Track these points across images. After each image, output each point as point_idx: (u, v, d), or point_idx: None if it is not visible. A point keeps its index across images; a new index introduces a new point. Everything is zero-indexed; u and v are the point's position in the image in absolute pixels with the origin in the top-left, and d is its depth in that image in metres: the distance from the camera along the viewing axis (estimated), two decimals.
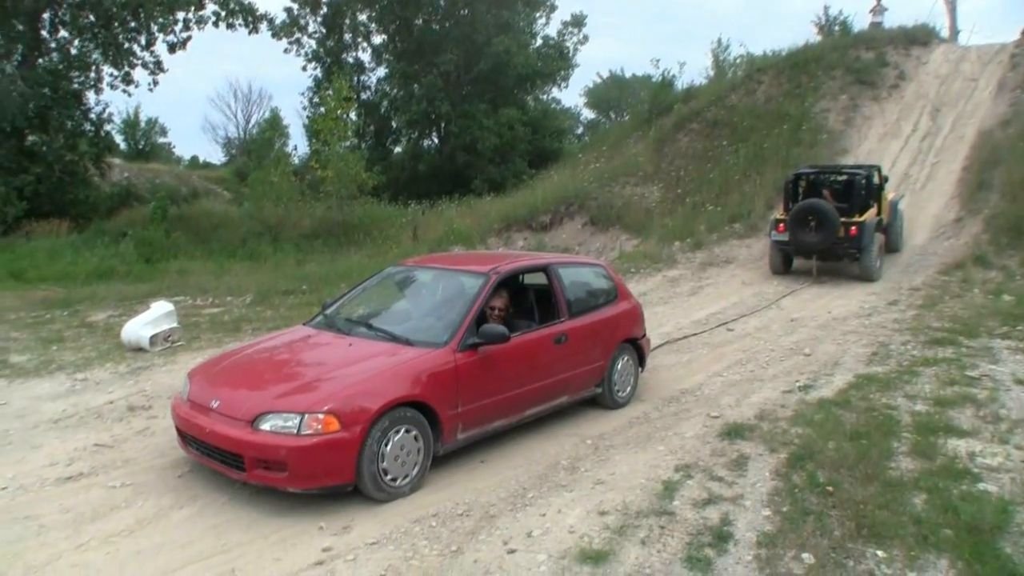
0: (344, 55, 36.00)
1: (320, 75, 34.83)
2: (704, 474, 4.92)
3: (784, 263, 13.08)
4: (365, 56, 36.77)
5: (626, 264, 14.02)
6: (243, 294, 12.29)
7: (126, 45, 25.61)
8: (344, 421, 4.49)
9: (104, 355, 8.32)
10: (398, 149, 37.44)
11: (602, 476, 4.97)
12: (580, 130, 52.04)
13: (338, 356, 5.26)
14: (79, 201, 23.65)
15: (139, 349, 8.49)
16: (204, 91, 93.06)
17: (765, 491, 4.63)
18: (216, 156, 53.12)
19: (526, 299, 6.42)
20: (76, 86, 24.69)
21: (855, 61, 20.98)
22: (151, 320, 8.82)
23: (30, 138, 23.45)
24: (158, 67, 26.41)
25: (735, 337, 9.03)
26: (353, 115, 27.36)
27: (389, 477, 4.69)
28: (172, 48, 26.18)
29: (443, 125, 34.13)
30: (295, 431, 4.43)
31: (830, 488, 4.55)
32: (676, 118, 21.21)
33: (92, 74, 25.23)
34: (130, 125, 42.49)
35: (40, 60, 24.09)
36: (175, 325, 9.02)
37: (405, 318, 5.88)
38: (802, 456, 5.08)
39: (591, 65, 66.36)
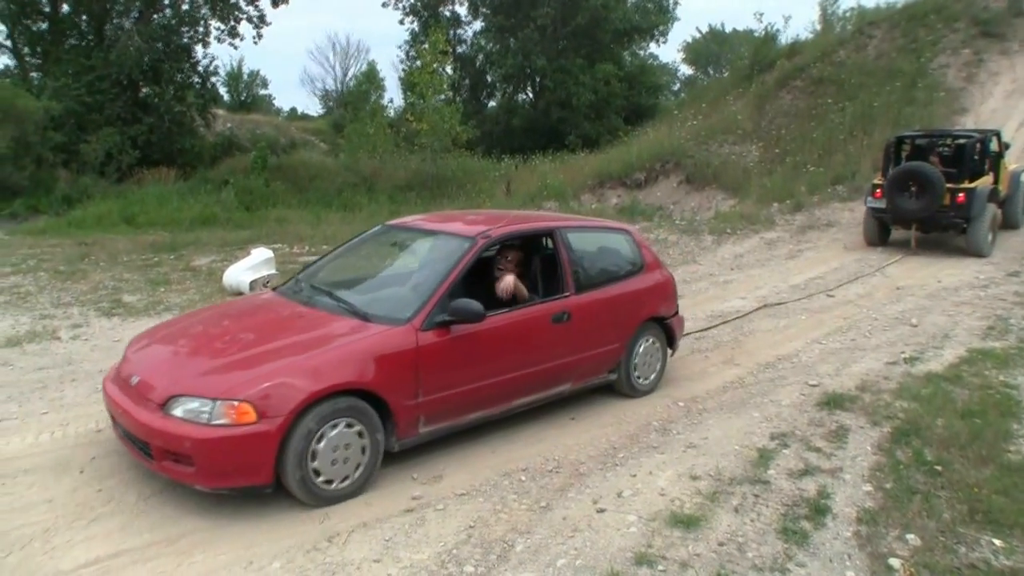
0: (441, 8, 35.88)
1: (417, 28, 34.93)
2: (801, 444, 4.76)
3: (880, 233, 11.94)
4: (462, 10, 36.59)
5: (722, 224, 13.62)
6: (338, 243, 12.54)
7: (232, 0, 26.29)
8: (262, 411, 3.78)
9: (206, 298, 8.66)
10: (492, 103, 37.33)
11: (694, 440, 4.87)
12: (677, 86, 50.66)
13: (281, 331, 4.46)
14: (185, 150, 24.73)
15: (239, 293, 8.79)
16: (304, 44, 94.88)
17: (866, 465, 4.44)
18: (314, 108, 54.25)
19: (529, 269, 5.48)
20: (186, 40, 25.77)
21: (983, 11, 19.49)
22: (251, 266, 9.13)
23: (143, 90, 24.58)
24: (261, 21, 27.10)
25: (835, 304, 8.66)
26: (449, 69, 27.39)
27: (322, 479, 3.99)
28: (275, 2, 26.71)
29: (538, 80, 33.79)
30: (206, 420, 3.77)
31: (939, 467, 4.32)
32: (779, 75, 20.31)
33: (201, 28, 26.20)
34: (233, 77, 43.77)
35: (155, 16, 25.07)
36: (273, 272, 9.31)
37: (376, 287, 5.18)
38: (908, 432, 4.83)
39: (690, 19, 64.37)
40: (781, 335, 7.46)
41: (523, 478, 4.39)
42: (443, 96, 25.25)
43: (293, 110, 52.36)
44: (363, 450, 4.13)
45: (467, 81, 36.05)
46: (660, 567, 3.42)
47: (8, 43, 25.38)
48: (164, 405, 3.90)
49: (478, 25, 36.20)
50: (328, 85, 53.62)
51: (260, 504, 4.01)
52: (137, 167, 22.32)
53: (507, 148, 28.01)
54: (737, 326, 7.78)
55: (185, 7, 25.89)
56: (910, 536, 3.66)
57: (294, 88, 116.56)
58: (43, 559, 3.52)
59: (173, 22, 25.13)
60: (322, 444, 3.95)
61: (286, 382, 3.88)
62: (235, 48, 36.45)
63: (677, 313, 6.23)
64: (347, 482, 4.10)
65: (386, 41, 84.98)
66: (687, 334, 7.35)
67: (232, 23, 26.65)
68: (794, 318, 8.08)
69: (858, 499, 4.04)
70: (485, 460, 4.66)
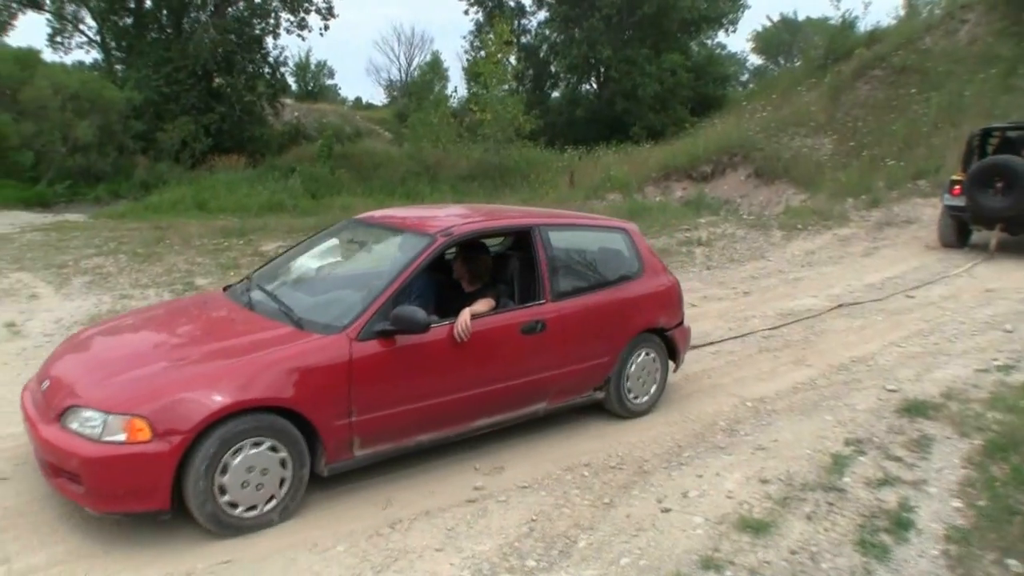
0: None
1: (481, 18, 34.93)
2: (879, 451, 4.51)
3: (958, 234, 10.90)
4: (526, 0, 36.46)
5: (792, 220, 13.20)
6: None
7: None
8: (158, 429, 3.36)
9: None
10: (556, 94, 37.12)
11: (763, 442, 4.68)
12: (745, 77, 49.58)
13: (206, 337, 4.12)
14: (255, 138, 25.51)
15: None
16: (370, 34, 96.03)
17: (954, 479, 4.16)
18: (378, 97, 54.99)
19: (505, 271, 4.89)
20: (257, 32, 26.50)
21: None
22: (318, 254, 9.23)
23: (216, 80, 25.36)
24: (329, 12, 27.67)
25: (916, 305, 8.27)
26: (513, 59, 27.30)
27: (232, 506, 3.57)
28: None
29: (603, 70, 33.43)
30: (96, 435, 3.39)
31: None
32: (856, 64, 19.54)
33: (271, 20, 26.90)
34: (301, 67, 44.68)
35: (229, 9, 25.84)
36: (339, 259, 9.39)
37: (324, 290, 4.64)
38: (1004, 446, 4.47)
39: (761, 7, 62.76)
40: (855, 336, 7.15)
41: (586, 473, 4.30)
42: (507, 86, 25.20)
43: (358, 99, 53.17)
44: (282, 474, 3.68)
45: (531, 71, 35.90)
46: (728, 573, 3.28)
47: (97, 38, 26.51)
48: (61, 416, 3.54)
49: (542, 15, 36.06)
50: (393, 75, 54.29)
51: (324, 487, 4.02)
52: (209, 154, 23.17)
53: (570, 139, 27.82)
54: (808, 325, 7.49)
55: (257, 0, 26.55)
56: (1011, 561, 3.37)
57: (360, 78, 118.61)
58: None
59: (246, 14, 26.01)
60: (232, 467, 3.50)
61: (188, 396, 3.45)
62: (303, 39, 37.29)
63: (682, 324, 5.55)
64: (263, 509, 3.65)
65: (450, 31, 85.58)
66: (749, 333, 7.18)
67: (301, 15, 27.28)
68: (870, 318, 7.73)
69: (946, 515, 3.79)
70: (547, 453, 4.59)
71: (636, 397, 5.20)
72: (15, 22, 25.60)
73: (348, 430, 3.85)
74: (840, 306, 8.17)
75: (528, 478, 4.23)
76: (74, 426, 3.46)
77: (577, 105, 34.42)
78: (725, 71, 37.58)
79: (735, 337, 7.07)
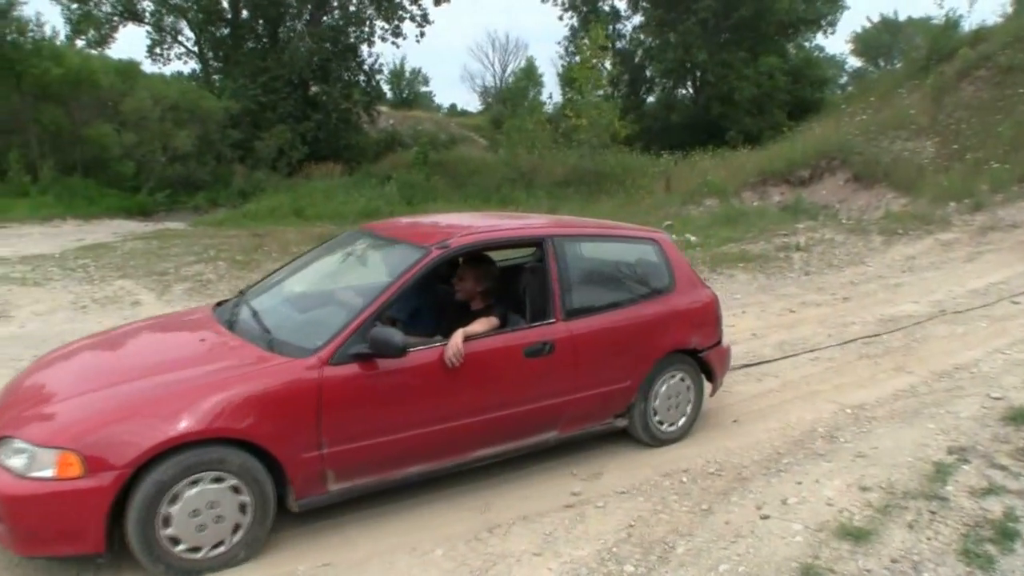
0: (600, 3, 35.84)
1: (576, 24, 35.04)
2: (983, 460, 4.46)
3: None
4: (621, 4, 36.41)
5: (892, 224, 12.83)
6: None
7: (397, 0, 27.38)
8: (91, 464, 3.02)
9: None
10: (651, 99, 36.90)
11: (863, 449, 4.69)
12: (843, 79, 47.97)
13: (171, 360, 3.69)
14: (350, 146, 26.12)
15: None
16: (464, 41, 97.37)
17: None
18: (473, 104, 55.64)
19: (516, 287, 4.53)
20: (352, 40, 27.12)
21: None
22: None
23: (312, 89, 26.09)
24: (424, 19, 28.09)
25: (1021, 311, 7.99)
26: (608, 64, 27.30)
27: (183, 548, 3.23)
28: (437, 1, 27.62)
29: (698, 74, 33.06)
30: (23, 470, 3.06)
31: None
32: (960, 64, 18.69)
33: (366, 29, 27.51)
34: (396, 75, 45.70)
35: (324, 18, 26.59)
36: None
37: (310, 307, 4.31)
38: None
39: (860, 8, 60.60)
40: (958, 342, 6.99)
41: (684, 479, 4.35)
42: (602, 92, 25.22)
43: (453, 106, 54.04)
44: (244, 509, 3.35)
45: (626, 76, 35.81)
46: None
47: (195, 49, 27.71)
48: None
49: (637, 19, 35.93)
50: (487, 81, 54.91)
51: (422, 492, 4.12)
52: (306, 162, 23.68)
53: (666, 144, 27.59)
54: (909, 331, 7.37)
55: (352, 8, 27.23)
56: None
57: (454, 85, 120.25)
58: None
59: (341, 23, 26.56)
60: (179, 504, 3.17)
61: (127, 428, 3.11)
62: (398, 47, 38.01)
63: (719, 343, 5.10)
64: (217, 551, 3.32)
65: (545, 37, 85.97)
66: (851, 341, 7.08)
67: (396, 22, 27.82)
68: (973, 325, 7.53)
69: None
70: (645, 459, 4.65)
71: (665, 424, 4.81)
72: (116, 35, 26.57)
73: (319, 463, 3.50)
74: (942, 313, 7.96)
75: (626, 484, 4.28)
76: (5, 458, 3.13)
77: (673, 110, 34.16)
78: (823, 74, 36.46)
79: (833, 345, 7.02)
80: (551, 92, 59.44)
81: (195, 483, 3.20)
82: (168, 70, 28.18)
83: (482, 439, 4.06)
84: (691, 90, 35.09)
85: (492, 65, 55.16)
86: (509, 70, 53.39)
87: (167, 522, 3.17)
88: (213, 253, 11.29)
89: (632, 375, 4.57)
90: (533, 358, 4.11)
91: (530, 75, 46.04)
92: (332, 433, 3.51)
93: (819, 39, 37.85)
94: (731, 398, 5.66)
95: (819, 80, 34.82)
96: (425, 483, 4.05)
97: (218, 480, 3.26)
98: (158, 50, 27.82)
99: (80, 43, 24.80)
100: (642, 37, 35.48)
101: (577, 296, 4.36)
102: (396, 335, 3.55)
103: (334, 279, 4.65)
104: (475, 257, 4.47)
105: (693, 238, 12.56)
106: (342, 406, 3.53)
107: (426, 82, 53.18)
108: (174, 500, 3.17)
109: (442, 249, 4.00)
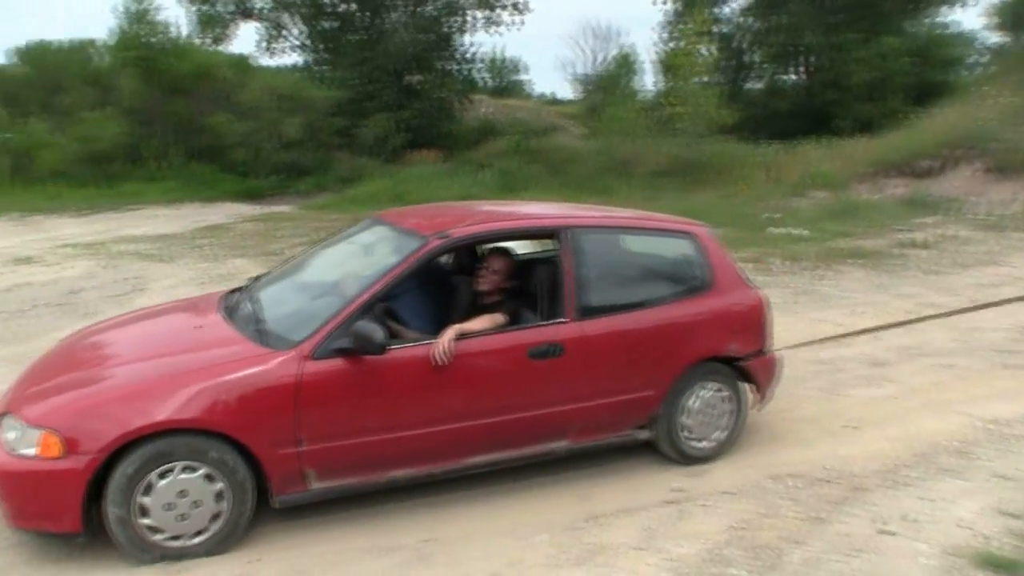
0: None
1: (676, 9, 34.09)
2: None
3: None
4: None
5: None
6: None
7: None
8: (70, 445, 3.11)
9: None
10: (754, 85, 35.60)
11: (1004, 470, 4.18)
12: (973, 58, 44.59)
13: (162, 347, 3.79)
14: (447, 134, 26.52)
15: None
16: (560, 29, 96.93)
17: None
18: (569, 92, 55.18)
19: (530, 282, 4.18)
20: (450, 30, 27.42)
21: None
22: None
23: (411, 78, 26.58)
24: (520, 8, 28.03)
25: None
26: (708, 49, 26.43)
27: (164, 536, 3.26)
28: None
29: (807, 59, 31.62)
30: (12, 447, 3.22)
31: None
32: None
33: (464, 18, 27.73)
34: (493, 64, 45.73)
35: (423, 8, 27.02)
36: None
37: (307, 298, 4.14)
38: None
39: None
40: None
41: (793, 484, 4.07)
42: (702, 78, 24.46)
43: (549, 94, 53.70)
44: (219, 498, 3.32)
45: (729, 62, 34.62)
46: None
47: (303, 42, 28.70)
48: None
49: (742, 1, 34.65)
50: (583, 69, 54.35)
51: (523, 475, 4.10)
52: (405, 149, 24.24)
53: (770, 132, 26.54)
54: None
55: None
56: None
57: (550, 73, 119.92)
58: None
59: (438, 13, 26.89)
60: (153, 493, 3.20)
61: (105, 413, 3.19)
62: (500, 35, 38.31)
63: (763, 352, 4.51)
64: (194, 540, 3.31)
65: (642, 23, 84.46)
66: (989, 350, 6.41)
67: (493, 11, 27.89)
68: None
69: None
70: (750, 459, 4.41)
71: (695, 440, 4.32)
72: (233, 32, 27.77)
73: (296, 460, 3.40)
74: None
75: (731, 484, 4.08)
76: (3, 434, 3.29)
77: (778, 96, 32.82)
78: (952, 53, 34.03)
79: (962, 352, 6.41)
80: (648, 80, 58.33)
81: (169, 472, 3.22)
82: (277, 63, 29.22)
83: (478, 445, 3.82)
84: (799, 75, 33.59)
85: (588, 52, 54.41)
86: (605, 57, 52.67)
87: (144, 510, 3.21)
88: (321, 235, 11.72)
89: (655, 384, 4.15)
90: (539, 360, 3.81)
91: (626, 62, 45.20)
92: (311, 430, 3.40)
93: (953, 14, 34.87)
94: (843, 402, 5.28)
95: (946, 60, 32.51)
96: (525, 468, 4.03)
97: (191, 469, 3.25)
98: (269, 44, 28.99)
99: (203, 41, 26.29)
100: (746, 21, 34.16)
101: (594, 294, 4.01)
102: (377, 331, 3.38)
103: (338, 269, 4.39)
104: (498, 248, 4.25)
105: (800, 231, 11.94)
106: (322, 402, 3.42)
107: (522, 70, 53.02)
108: (148, 490, 3.20)
109: (442, 239, 3.80)
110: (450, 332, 3.63)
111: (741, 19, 34.44)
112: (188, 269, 9.77)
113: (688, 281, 4.36)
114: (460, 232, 3.88)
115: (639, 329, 4.09)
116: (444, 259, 4.63)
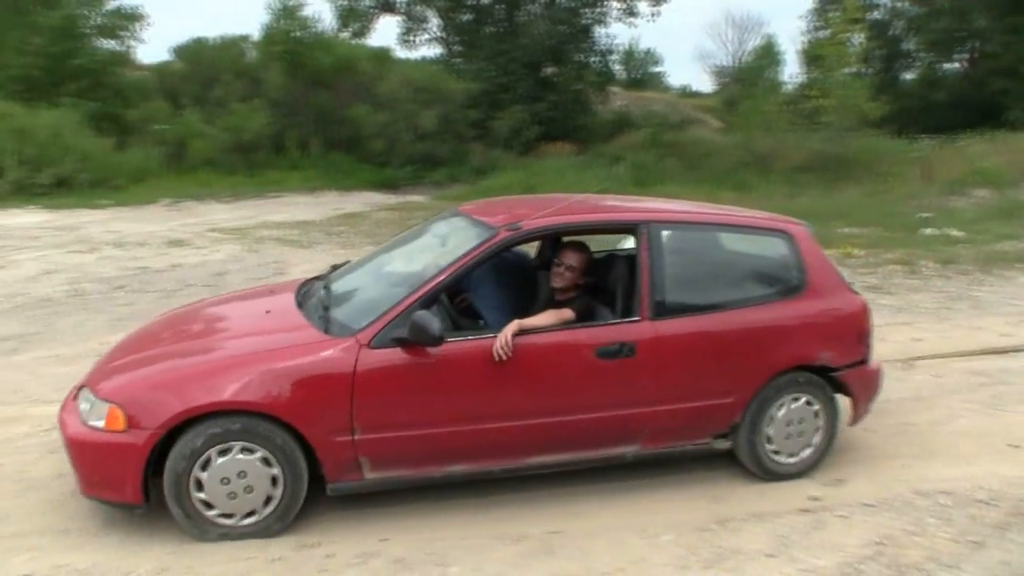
0: None
1: None
2: None
3: None
4: None
5: None
6: None
7: None
8: (132, 421, 3.23)
9: None
10: (909, 75, 33.47)
11: None
12: None
13: (228, 328, 4.01)
14: (582, 126, 26.55)
15: None
16: (699, 19, 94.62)
17: None
18: (706, 85, 53.95)
19: (608, 278, 4.04)
20: (587, 21, 27.29)
21: None
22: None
23: (547, 70, 26.71)
24: None
25: None
26: (859, 38, 25.02)
27: (215, 512, 3.32)
28: None
29: (975, 44, 29.33)
30: (84, 418, 3.38)
31: None
32: None
33: (601, 9, 27.53)
34: (629, 55, 45.22)
35: (556, 0, 27.01)
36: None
37: (379, 288, 4.06)
38: None
39: None
40: None
41: (944, 502, 3.78)
42: (851, 69, 23.21)
43: (685, 87, 52.65)
44: (275, 483, 3.35)
45: (880, 51, 32.70)
46: None
47: (440, 34, 29.44)
48: (77, 395, 3.57)
49: None
50: (722, 61, 52.87)
51: (651, 473, 4.05)
52: (539, 141, 24.39)
53: (925, 126, 24.88)
54: None
55: None
56: None
57: (686, 65, 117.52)
58: None
59: (575, 4, 26.80)
60: (209, 471, 3.27)
61: (166, 392, 3.29)
62: (635, 27, 37.82)
63: (864, 362, 4.17)
64: (248, 520, 3.37)
65: (785, 13, 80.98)
66: None
67: (630, 2, 27.59)
68: None
69: None
70: (895, 471, 4.14)
71: (781, 455, 4.04)
72: (374, 25, 29.10)
73: (351, 449, 3.39)
74: None
75: (872, 496, 3.85)
76: (80, 405, 3.46)
77: (936, 87, 30.77)
78: None
79: None
80: (791, 71, 56.07)
81: (227, 452, 3.28)
82: (415, 55, 30.11)
83: (539, 445, 3.69)
84: (963, 63, 31.28)
85: (728, 43, 52.87)
86: (745, 48, 50.96)
87: (199, 485, 3.28)
88: None
89: (736, 390, 3.89)
90: (608, 359, 3.64)
91: (768, 53, 43.58)
92: (366, 419, 3.38)
93: None
94: (1008, 418, 4.87)
95: None
96: (654, 465, 3.98)
97: (248, 451, 3.30)
98: (408, 37, 30.05)
99: (344, 34, 27.58)
100: (901, 6, 32.11)
101: (672, 292, 3.79)
102: (434, 322, 3.31)
103: (413, 260, 4.31)
104: (574, 243, 4.12)
105: (957, 232, 11.18)
106: (378, 392, 3.39)
107: (659, 62, 52.23)
108: (205, 465, 3.27)
109: (512, 231, 3.67)
110: (511, 327, 3.52)
111: (898, 4, 32.44)
112: (325, 255, 10.03)
113: (779, 282, 4.11)
114: (531, 225, 3.75)
115: (720, 331, 3.88)
116: (531, 253, 4.64)
